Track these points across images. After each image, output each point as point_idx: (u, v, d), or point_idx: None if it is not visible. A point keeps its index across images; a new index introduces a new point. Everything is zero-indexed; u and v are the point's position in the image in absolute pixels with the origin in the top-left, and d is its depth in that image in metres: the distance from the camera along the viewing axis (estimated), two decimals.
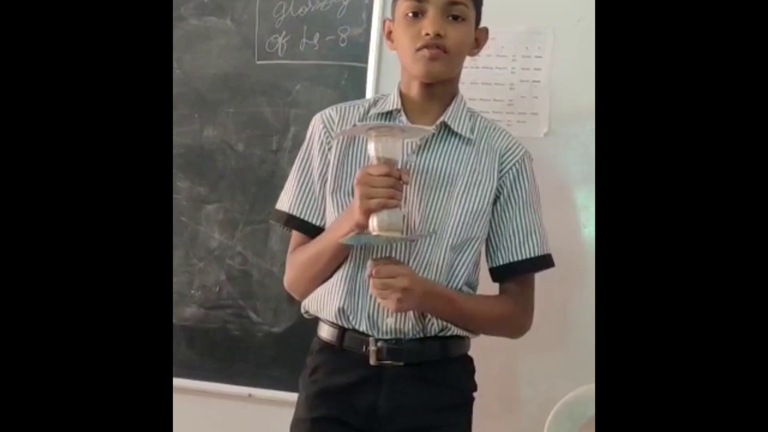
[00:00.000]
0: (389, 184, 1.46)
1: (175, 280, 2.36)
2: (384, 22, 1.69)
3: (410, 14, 1.57)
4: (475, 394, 1.67)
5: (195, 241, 2.36)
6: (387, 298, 1.50)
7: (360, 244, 1.55)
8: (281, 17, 2.31)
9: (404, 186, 1.50)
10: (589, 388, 1.76)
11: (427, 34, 1.54)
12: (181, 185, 2.37)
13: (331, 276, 1.61)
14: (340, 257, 1.59)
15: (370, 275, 1.51)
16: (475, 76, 2.06)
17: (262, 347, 2.31)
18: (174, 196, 2.37)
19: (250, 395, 2.31)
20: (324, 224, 1.65)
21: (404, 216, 1.51)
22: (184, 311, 2.37)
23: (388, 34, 1.67)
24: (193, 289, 2.37)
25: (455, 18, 1.57)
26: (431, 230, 1.57)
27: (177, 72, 2.37)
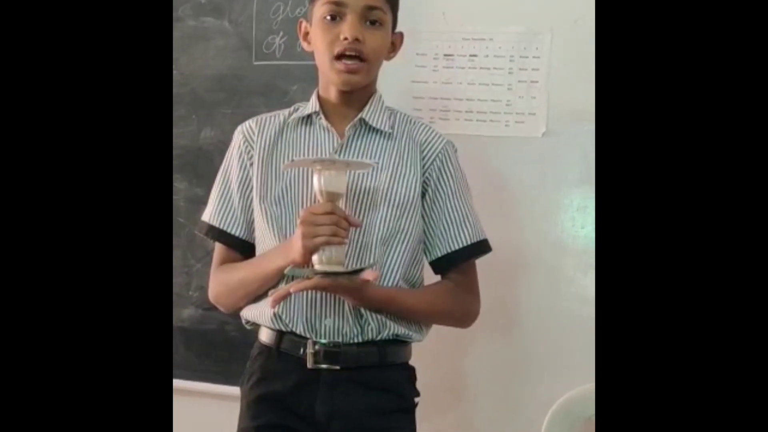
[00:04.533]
0: (333, 222, 1.47)
1: (173, 281, 2.35)
2: (299, 23, 1.69)
3: (328, 17, 1.57)
4: (417, 400, 1.66)
5: (192, 242, 2.36)
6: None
7: (301, 276, 1.54)
8: (278, 18, 2.31)
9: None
10: (586, 389, 1.76)
11: (346, 39, 1.54)
12: (179, 186, 2.37)
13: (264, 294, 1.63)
14: (273, 282, 1.60)
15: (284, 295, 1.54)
16: (473, 77, 2.06)
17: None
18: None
19: None
20: (245, 235, 1.67)
21: (346, 250, 1.52)
22: (182, 312, 2.36)
23: (305, 36, 1.66)
24: (191, 290, 2.37)
25: (373, 23, 1.58)
26: (372, 261, 1.57)
27: (174, 73, 2.37)
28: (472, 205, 1.68)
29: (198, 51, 2.38)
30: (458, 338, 2.01)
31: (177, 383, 2.28)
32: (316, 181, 1.50)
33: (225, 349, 2.34)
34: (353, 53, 1.56)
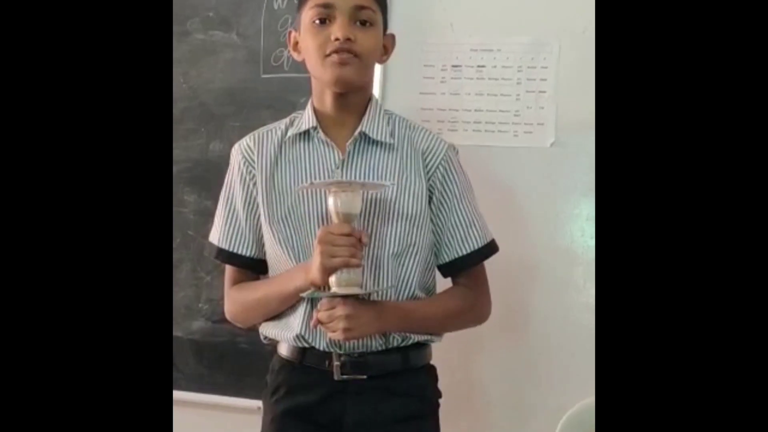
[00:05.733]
0: (351, 243, 1.46)
1: (182, 293, 2.36)
2: (288, 33, 1.67)
3: (317, 21, 1.55)
4: (440, 401, 1.67)
5: (202, 255, 2.36)
6: (336, 331, 1.50)
7: (320, 298, 1.54)
8: (286, 30, 2.32)
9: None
10: None
11: (337, 39, 1.52)
12: (188, 199, 2.38)
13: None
14: (291, 302, 1.59)
15: (316, 325, 1.53)
16: (481, 88, 2.06)
17: (271, 360, 2.30)
18: (181, 210, 2.37)
19: (259, 408, 2.29)
20: (255, 254, 1.66)
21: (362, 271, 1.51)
22: (192, 325, 2.37)
23: (294, 45, 1.64)
24: (201, 302, 2.37)
25: (363, 23, 1.55)
26: (389, 285, 1.57)
27: (183, 86, 2.38)
28: (476, 206, 1.67)
29: (206, 64, 2.39)
30: (468, 347, 2.01)
31: (188, 395, 2.30)
32: (331, 202, 1.48)
33: (235, 362, 2.34)
34: (345, 51, 1.53)
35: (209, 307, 2.35)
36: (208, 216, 2.35)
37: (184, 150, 2.37)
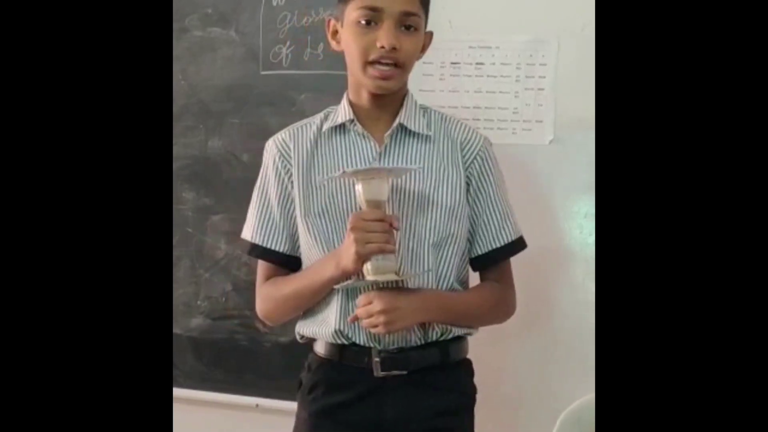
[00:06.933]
0: (384, 229, 1.45)
1: (181, 291, 2.36)
2: (327, 21, 1.63)
3: (363, 22, 1.52)
4: (477, 397, 1.67)
5: (201, 252, 2.37)
6: (377, 326, 1.49)
7: (357, 287, 1.53)
8: (285, 27, 2.32)
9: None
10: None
11: (383, 47, 1.50)
12: (187, 196, 2.38)
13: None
14: (324, 294, 1.57)
15: (354, 320, 1.52)
16: (479, 85, 2.07)
17: (269, 357, 2.31)
18: (180, 207, 2.37)
19: (257, 405, 2.31)
20: (289, 250, 1.64)
21: (398, 257, 1.50)
22: (191, 322, 2.37)
23: (333, 34, 1.61)
24: (200, 299, 2.37)
25: (408, 28, 1.53)
26: (427, 269, 1.55)
27: (182, 83, 2.38)
28: (509, 200, 1.67)
29: (205, 61, 2.39)
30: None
31: (186, 392, 2.30)
32: (359, 190, 1.47)
33: (234, 359, 2.34)
34: (389, 61, 1.52)
35: (208, 305, 2.36)
36: (207, 213, 2.37)
37: (182, 147, 2.37)
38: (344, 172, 1.52)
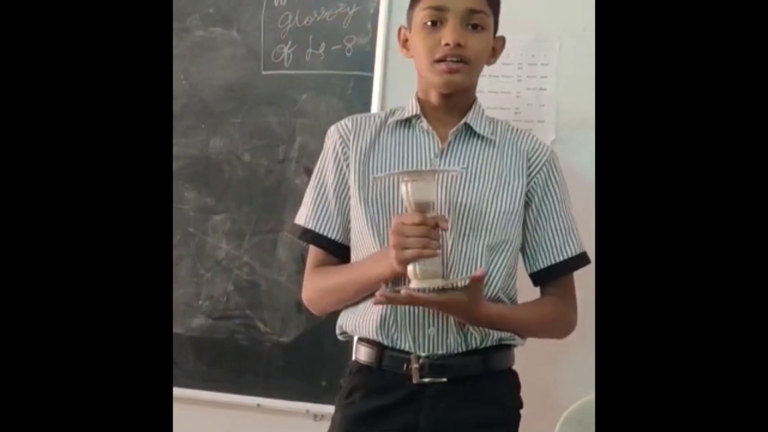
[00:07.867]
0: (423, 233, 1.41)
1: (182, 290, 2.36)
2: (399, 30, 1.65)
3: (429, 23, 1.54)
4: (522, 412, 1.63)
5: (202, 252, 2.36)
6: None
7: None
8: (287, 27, 2.32)
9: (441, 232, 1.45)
10: None
11: (447, 44, 1.51)
12: (188, 196, 2.38)
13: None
14: (369, 291, 1.54)
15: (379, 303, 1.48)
16: (481, 85, 2.04)
17: (270, 357, 2.30)
18: (181, 206, 2.37)
19: (258, 405, 2.31)
20: (341, 238, 1.63)
21: (443, 260, 1.48)
22: (192, 322, 2.36)
23: (404, 43, 1.63)
24: (201, 299, 2.37)
25: (474, 27, 1.54)
26: (470, 275, 1.50)
27: (183, 83, 2.38)
28: (573, 215, 1.64)
29: (206, 61, 2.38)
30: None
31: (187, 392, 2.30)
32: (404, 192, 1.45)
33: (235, 359, 2.33)
34: (455, 58, 1.52)
35: (209, 304, 2.35)
36: (207, 213, 2.36)
37: (183, 147, 2.37)
38: (377, 176, 1.53)
